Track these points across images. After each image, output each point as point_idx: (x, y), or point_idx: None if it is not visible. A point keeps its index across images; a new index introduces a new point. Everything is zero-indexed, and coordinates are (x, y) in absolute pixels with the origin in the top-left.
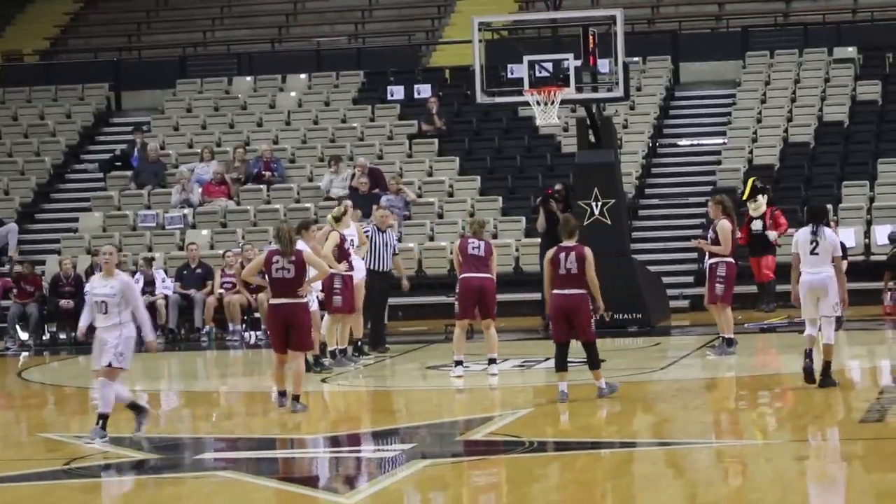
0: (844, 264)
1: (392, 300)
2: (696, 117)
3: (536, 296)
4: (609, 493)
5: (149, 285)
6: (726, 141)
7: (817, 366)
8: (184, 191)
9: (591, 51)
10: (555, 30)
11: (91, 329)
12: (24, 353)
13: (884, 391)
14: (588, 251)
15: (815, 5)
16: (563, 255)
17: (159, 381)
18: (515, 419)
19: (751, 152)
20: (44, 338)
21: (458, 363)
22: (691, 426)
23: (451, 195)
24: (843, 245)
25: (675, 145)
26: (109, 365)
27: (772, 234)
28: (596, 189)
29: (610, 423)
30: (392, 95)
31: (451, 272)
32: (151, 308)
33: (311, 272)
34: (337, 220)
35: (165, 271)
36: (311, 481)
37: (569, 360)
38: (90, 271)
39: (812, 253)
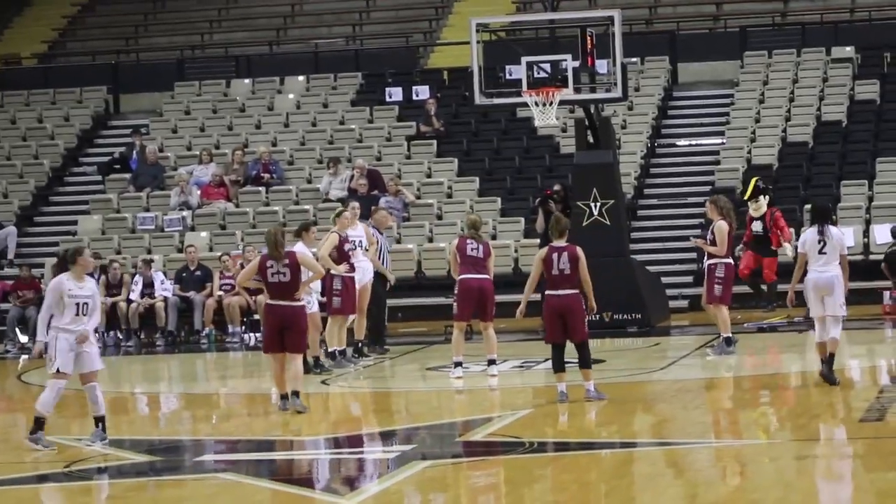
0: None
1: (391, 301)
2: (694, 117)
3: (536, 296)
4: (609, 494)
5: (148, 287)
6: (725, 141)
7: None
8: (182, 193)
9: (589, 51)
10: (553, 31)
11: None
12: (24, 356)
13: (883, 390)
14: (580, 251)
15: (813, 5)
16: (555, 255)
17: (159, 383)
18: (515, 420)
19: (749, 152)
20: None
21: (458, 364)
22: (691, 426)
23: (449, 196)
24: None
25: (674, 146)
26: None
27: (789, 249)
28: (595, 189)
29: (610, 423)
30: (390, 97)
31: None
32: (151, 310)
33: (307, 273)
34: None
35: (164, 273)
36: (311, 483)
37: (567, 360)
38: (90, 274)
39: (821, 252)
